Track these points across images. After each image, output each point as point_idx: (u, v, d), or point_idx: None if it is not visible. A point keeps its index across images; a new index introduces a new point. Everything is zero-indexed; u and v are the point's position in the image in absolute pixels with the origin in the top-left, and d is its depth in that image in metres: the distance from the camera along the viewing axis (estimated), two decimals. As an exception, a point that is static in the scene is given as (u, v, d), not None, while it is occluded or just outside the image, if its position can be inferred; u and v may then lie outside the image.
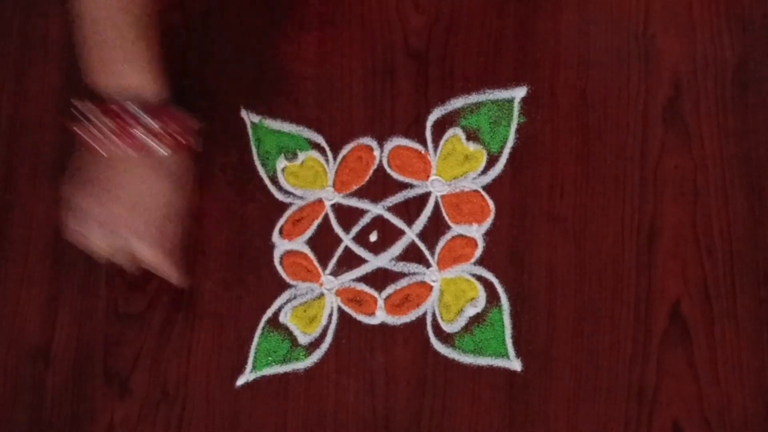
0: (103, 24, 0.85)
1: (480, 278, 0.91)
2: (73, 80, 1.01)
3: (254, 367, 0.93)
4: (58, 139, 1.00)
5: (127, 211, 0.88)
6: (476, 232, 0.92)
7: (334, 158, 0.96)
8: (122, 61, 0.86)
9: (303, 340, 0.93)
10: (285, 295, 0.94)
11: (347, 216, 0.95)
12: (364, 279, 0.94)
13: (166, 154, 0.88)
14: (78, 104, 0.86)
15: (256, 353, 0.93)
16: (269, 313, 0.94)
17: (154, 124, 0.87)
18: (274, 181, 0.96)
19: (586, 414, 0.88)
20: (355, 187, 0.95)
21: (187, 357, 0.94)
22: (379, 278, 0.93)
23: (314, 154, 0.96)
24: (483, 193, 0.93)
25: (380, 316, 0.92)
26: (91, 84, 0.88)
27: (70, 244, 0.97)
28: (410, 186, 0.94)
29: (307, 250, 0.95)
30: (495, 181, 0.93)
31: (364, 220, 0.94)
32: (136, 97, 0.87)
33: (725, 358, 0.87)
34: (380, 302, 0.93)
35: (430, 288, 0.92)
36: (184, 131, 0.90)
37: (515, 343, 0.90)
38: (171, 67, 0.99)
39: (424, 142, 0.95)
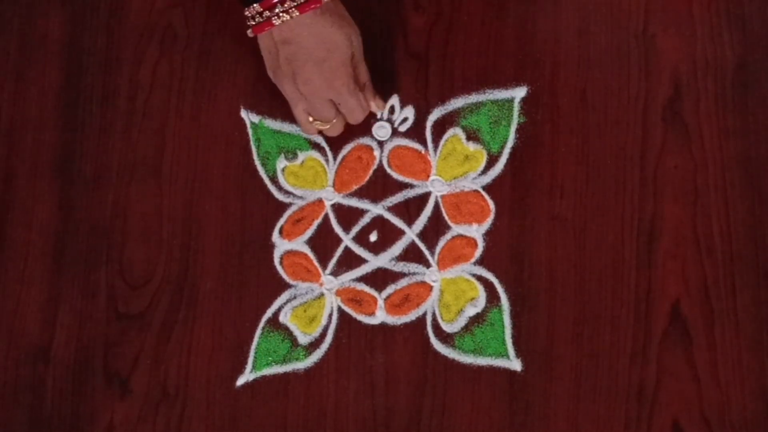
0: None
1: (480, 278, 0.91)
2: (73, 80, 1.01)
3: (254, 367, 0.93)
4: (58, 139, 1.00)
5: (327, 66, 0.88)
6: (476, 232, 0.92)
7: (334, 158, 0.96)
8: None
9: (303, 340, 0.93)
10: (285, 295, 0.94)
11: (347, 216, 0.95)
12: (364, 279, 0.94)
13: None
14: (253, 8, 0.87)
15: (256, 353, 0.93)
16: (269, 313, 0.94)
17: None
18: (274, 181, 0.96)
19: (586, 414, 0.88)
20: (355, 187, 0.95)
21: (187, 357, 0.94)
22: (379, 278, 0.93)
23: (314, 154, 0.96)
24: (483, 193, 0.93)
25: (380, 316, 0.92)
26: None
27: (70, 244, 0.97)
28: (410, 186, 0.94)
29: (307, 250, 0.95)
30: (495, 181, 0.93)
31: (364, 220, 0.95)
32: None
33: (725, 358, 0.87)
34: (380, 302, 0.93)
35: (430, 288, 0.92)
36: None
37: (515, 343, 0.90)
38: (171, 68, 0.99)
39: (424, 142, 0.95)
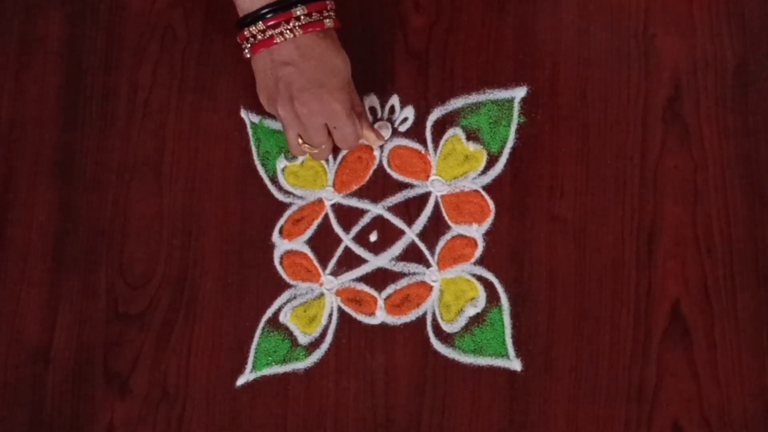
0: None
1: (480, 278, 0.91)
2: (73, 80, 1.01)
3: (254, 367, 0.93)
4: (58, 139, 1.00)
5: (326, 89, 0.88)
6: (476, 232, 0.92)
7: (334, 158, 0.96)
8: None
9: (303, 340, 0.93)
10: (285, 295, 0.94)
11: (347, 216, 0.95)
12: (364, 279, 0.94)
13: (331, 26, 0.88)
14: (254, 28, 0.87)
15: (256, 353, 0.94)
16: (269, 313, 0.94)
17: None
18: (274, 181, 0.96)
19: (586, 414, 0.88)
20: (355, 187, 0.95)
21: (187, 357, 0.94)
22: (379, 278, 0.93)
23: (314, 154, 0.96)
24: (483, 193, 0.93)
25: (380, 316, 0.92)
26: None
27: (70, 244, 0.97)
28: (410, 186, 0.94)
29: (307, 250, 0.95)
30: (495, 181, 0.93)
31: (364, 220, 0.95)
32: None
33: (725, 358, 0.87)
34: (380, 302, 0.93)
35: (430, 288, 0.92)
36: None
37: (515, 343, 0.90)
38: (171, 68, 0.99)
39: (424, 142, 0.95)
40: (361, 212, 0.95)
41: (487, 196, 0.93)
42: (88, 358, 0.95)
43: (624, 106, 0.92)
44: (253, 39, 0.87)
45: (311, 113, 0.89)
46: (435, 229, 0.93)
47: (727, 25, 0.92)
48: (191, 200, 0.97)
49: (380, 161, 0.95)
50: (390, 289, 0.93)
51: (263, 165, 0.97)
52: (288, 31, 0.86)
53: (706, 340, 0.87)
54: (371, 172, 0.95)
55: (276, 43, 0.86)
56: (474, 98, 0.94)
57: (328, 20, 0.87)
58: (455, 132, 0.94)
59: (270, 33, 0.86)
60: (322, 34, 0.87)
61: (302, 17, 0.86)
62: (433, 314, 0.92)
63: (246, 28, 0.87)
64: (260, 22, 0.86)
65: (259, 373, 0.93)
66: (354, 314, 0.93)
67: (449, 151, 0.94)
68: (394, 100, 0.96)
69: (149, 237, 0.97)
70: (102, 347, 0.95)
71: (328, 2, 0.88)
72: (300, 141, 0.91)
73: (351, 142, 0.92)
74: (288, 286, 0.95)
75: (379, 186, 0.95)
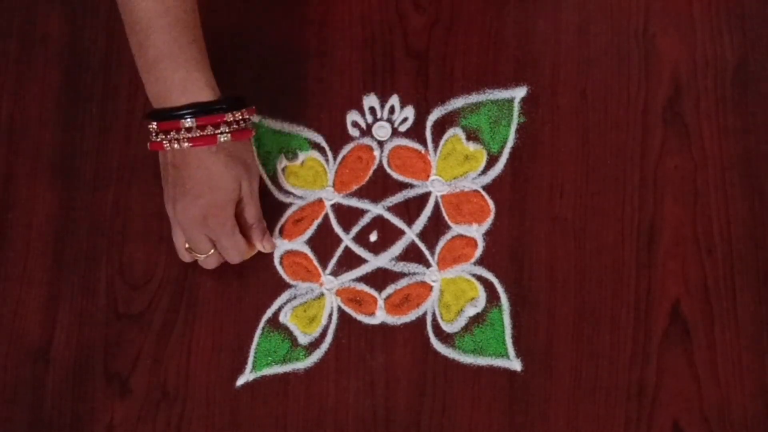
0: (155, 30, 0.84)
1: (480, 278, 0.92)
2: (73, 80, 1.01)
3: (254, 367, 0.93)
4: (58, 139, 1.00)
5: (204, 203, 0.87)
6: (476, 232, 0.92)
7: (334, 158, 0.96)
8: (177, 66, 0.84)
9: (303, 340, 0.93)
10: (285, 295, 0.94)
11: (347, 216, 0.95)
12: (364, 279, 0.94)
13: (227, 140, 0.86)
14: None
15: (256, 353, 0.93)
16: (269, 313, 0.94)
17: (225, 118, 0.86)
18: (274, 181, 0.96)
19: (586, 414, 0.88)
20: (355, 187, 0.95)
21: (187, 357, 0.94)
22: (379, 278, 0.93)
23: (314, 154, 0.96)
24: (483, 193, 0.93)
25: (380, 316, 0.92)
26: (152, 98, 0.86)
27: (70, 244, 0.97)
28: (410, 186, 0.94)
29: (307, 250, 0.95)
30: (495, 181, 0.93)
31: (364, 220, 0.95)
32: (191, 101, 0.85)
33: (725, 358, 0.87)
34: (380, 302, 0.93)
35: (430, 288, 0.92)
36: (243, 119, 0.88)
37: (515, 343, 0.90)
38: (171, 67, 0.99)
39: (424, 142, 0.95)
40: (361, 212, 0.95)
41: (487, 196, 0.93)
42: (88, 358, 0.95)
43: (624, 106, 0.92)
44: (155, 136, 0.86)
45: (188, 220, 0.88)
46: (435, 229, 0.93)
47: (727, 25, 0.92)
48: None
49: (380, 161, 0.95)
50: (390, 289, 0.93)
51: (263, 165, 0.97)
52: (176, 141, 0.84)
53: (706, 340, 0.87)
54: (371, 172, 0.95)
55: (165, 148, 0.85)
56: (474, 98, 0.95)
57: (223, 136, 0.85)
58: (455, 132, 0.94)
59: (161, 137, 0.85)
60: (214, 148, 0.86)
61: (193, 129, 0.84)
62: (433, 314, 0.92)
63: (148, 123, 0.86)
64: (154, 123, 0.85)
65: (259, 373, 0.93)
66: (354, 314, 0.93)
67: (449, 151, 0.94)
68: (394, 100, 0.96)
69: (149, 237, 0.97)
70: (102, 347, 0.95)
71: (228, 114, 0.86)
72: (186, 245, 0.91)
73: (233, 257, 0.91)
74: (288, 286, 0.95)
75: (379, 186, 0.95)
